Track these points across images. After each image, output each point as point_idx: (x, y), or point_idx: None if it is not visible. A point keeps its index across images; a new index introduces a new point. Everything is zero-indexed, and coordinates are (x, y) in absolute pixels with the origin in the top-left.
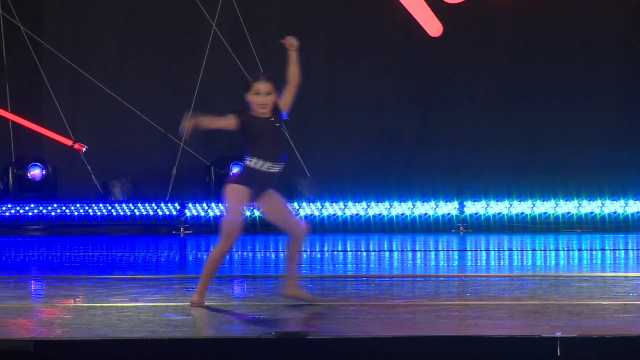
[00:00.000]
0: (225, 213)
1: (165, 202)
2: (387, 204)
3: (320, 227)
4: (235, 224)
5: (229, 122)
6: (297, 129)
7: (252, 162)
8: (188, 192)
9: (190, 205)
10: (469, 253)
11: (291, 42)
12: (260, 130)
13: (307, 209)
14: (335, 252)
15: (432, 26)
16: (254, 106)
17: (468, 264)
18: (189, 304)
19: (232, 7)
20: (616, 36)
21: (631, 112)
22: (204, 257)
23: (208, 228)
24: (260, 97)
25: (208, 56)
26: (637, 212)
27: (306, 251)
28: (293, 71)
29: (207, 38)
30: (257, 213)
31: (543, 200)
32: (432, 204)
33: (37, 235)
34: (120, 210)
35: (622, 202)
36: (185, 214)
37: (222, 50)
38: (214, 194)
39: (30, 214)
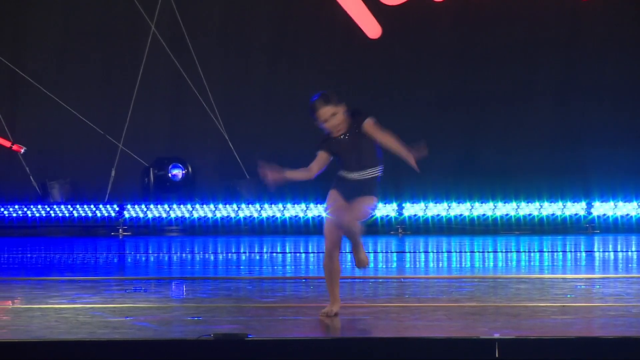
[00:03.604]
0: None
1: (104, 204)
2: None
3: (259, 229)
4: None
5: (317, 164)
6: (236, 130)
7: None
8: (127, 193)
9: (128, 206)
10: (408, 255)
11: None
12: (339, 147)
13: (246, 211)
14: (274, 254)
15: (371, 28)
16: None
17: (407, 266)
18: (126, 305)
19: (171, 7)
20: (554, 39)
21: (568, 113)
22: (144, 259)
23: (146, 229)
24: (328, 124)
25: (147, 57)
26: (575, 214)
27: (245, 252)
28: (395, 150)
29: (145, 39)
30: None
31: (481, 202)
32: None
33: None
34: (58, 212)
35: (560, 204)
36: (123, 216)
37: (161, 50)
38: (153, 196)
39: None
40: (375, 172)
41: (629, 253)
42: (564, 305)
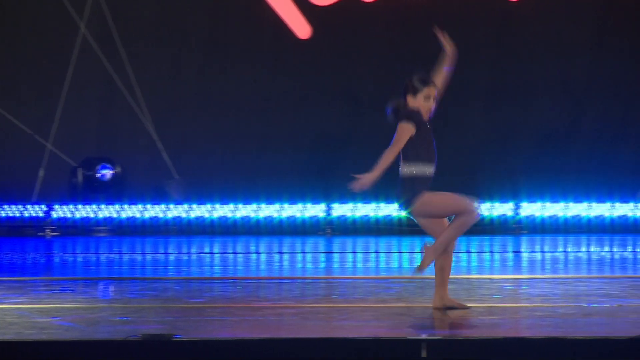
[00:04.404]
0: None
1: (32, 204)
2: (254, 206)
3: (187, 229)
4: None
5: (404, 140)
6: (166, 130)
7: (417, 167)
8: (55, 193)
9: (57, 206)
10: (336, 255)
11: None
12: (427, 132)
13: (175, 211)
14: (202, 254)
15: (301, 28)
16: (420, 110)
17: (335, 266)
18: (53, 305)
19: (101, 6)
20: (483, 40)
21: (497, 115)
22: (72, 259)
23: (75, 229)
24: (430, 103)
25: (76, 56)
26: (503, 215)
27: (173, 253)
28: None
29: (74, 37)
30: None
31: None
32: (300, 206)
33: None
34: None
35: (487, 204)
36: (51, 216)
37: (90, 49)
38: (81, 196)
39: None
40: None
41: (556, 254)
42: (491, 306)
